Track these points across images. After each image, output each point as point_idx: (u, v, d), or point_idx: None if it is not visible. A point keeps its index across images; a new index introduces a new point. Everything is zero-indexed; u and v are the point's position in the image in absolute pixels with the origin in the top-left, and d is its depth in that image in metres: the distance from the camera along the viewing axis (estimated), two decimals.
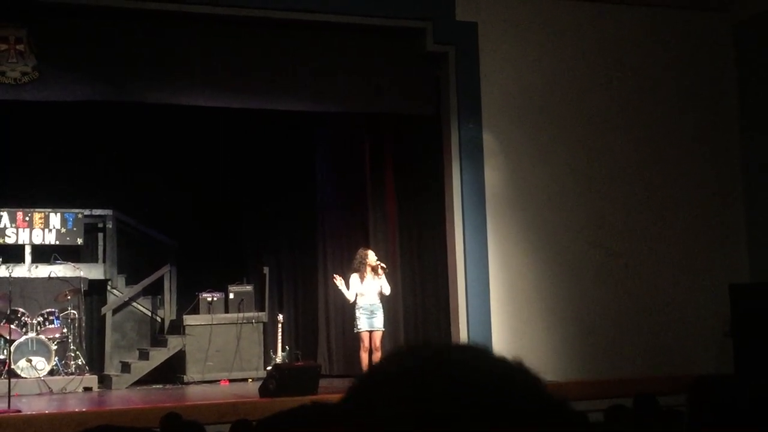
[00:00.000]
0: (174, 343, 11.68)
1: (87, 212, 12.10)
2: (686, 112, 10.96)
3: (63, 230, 11.77)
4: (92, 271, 12.04)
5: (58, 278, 11.50)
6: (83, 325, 11.52)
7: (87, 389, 10.52)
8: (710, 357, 10.27)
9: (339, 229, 12.27)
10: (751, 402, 2.37)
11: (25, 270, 11.54)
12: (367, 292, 9.87)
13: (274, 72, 9.79)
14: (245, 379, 11.52)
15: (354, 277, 9.94)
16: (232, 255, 12.86)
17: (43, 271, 11.57)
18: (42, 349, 10.53)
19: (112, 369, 11.68)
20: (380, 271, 9.88)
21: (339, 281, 9.90)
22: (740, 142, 11.08)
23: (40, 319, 10.95)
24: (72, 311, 11.26)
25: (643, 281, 10.52)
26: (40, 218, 11.67)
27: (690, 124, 10.97)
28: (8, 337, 10.40)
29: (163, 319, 12.41)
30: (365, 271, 9.90)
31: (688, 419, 2.50)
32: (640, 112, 10.77)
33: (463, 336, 9.94)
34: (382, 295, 9.96)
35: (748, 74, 11.01)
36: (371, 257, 9.95)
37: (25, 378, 10.30)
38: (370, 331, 9.85)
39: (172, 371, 11.62)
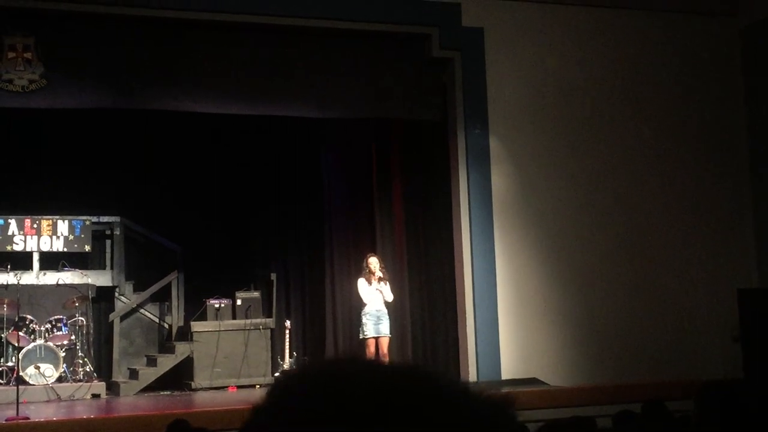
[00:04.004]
0: (182, 349, 11.68)
1: (95, 219, 12.12)
2: (694, 117, 10.95)
3: (71, 237, 11.79)
4: (100, 278, 12.06)
5: (65, 285, 11.50)
6: (91, 331, 11.53)
7: (95, 396, 10.52)
8: (719, 362, 10.24)
9: (346, 234, 12.26)
10: (760, 407, 2.36)
11: (33, 277, 11.56)
12: (373, 298, 9.85)
13: (280, 78, 9.80)
14: (253, 386, 11.51)
15: (363, 282, 9.93)
16: (240, 261, 12.86)
17: (51, 278, 11.58)
18: (50, 356, 10.54)
19: (120, 376, 11.68)
20: (381, 278, 9.85)
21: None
22: (748, 146, 11.05)
23: (48, 326, 10.95)
24: (80, 318, 11.26)
25: (651, 286, 10.49)
26: (48, 225, 11.69)
27: (698, 129, 10.95)
28: (16, 344, 10.42)
29: (170, 326, 12.41)
30: (370, 277, 9.89)
31: (695, 424, 2.50)
32: (648, 118, 10.75)
33: (471, 341, 9.93)
34: (386, 302, 9.95)
35: (755, 78, 10.99)
36: (373, 264, 9.92)
37: (34, 385, 10.30)
38: (377, 338, 9.82)
39: (179, 378, 11.61)
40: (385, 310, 9.90)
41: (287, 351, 11.10)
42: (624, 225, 10.54)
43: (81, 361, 10.89)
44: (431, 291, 11.01)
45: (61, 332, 10.98)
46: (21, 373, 10.01)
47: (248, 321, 11.86)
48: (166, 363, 11.63)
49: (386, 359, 9.76)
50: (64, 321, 11.11)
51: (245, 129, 11.93)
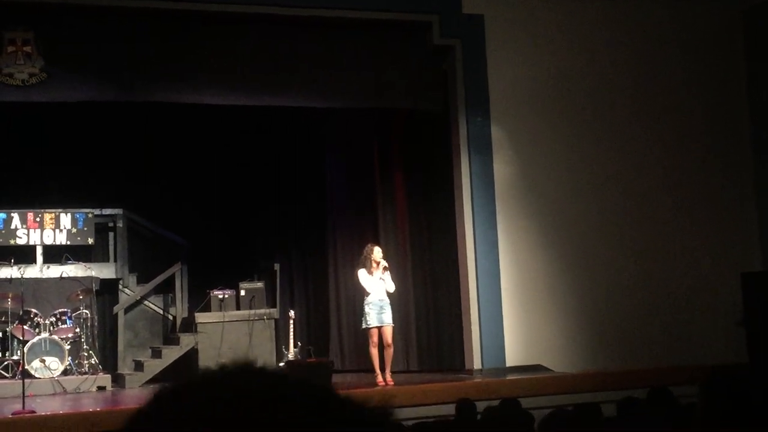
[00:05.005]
0: (186, 340, 11.70)
1: (97, 212, 12.11)
2: (697, 101, 10.92)
3: (74, 230, 11.79)
4: (104, 271, 12.07)
5: (69, 278, 11.51)
6: (96, 324, 11.55)
7: (101, 388, 10.55)
8: (723, 347, 10.24)
9: (349, 225, 12.26)
10: (765, 391, 2.36)
11: (36, 271, 11.56)
12: (375, 287, 9.80)
13: (280, 68, 9.79)
14: None
15: (363, 272, 9.86)
16: (243, 252, 12.86)
17: (55, 271, 11.59)
18: (55, 349, 10.56)
19: (125, 368, 11.70)
20: (383, 269, 9.80)
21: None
22: (751, 130, 11.03)
23: (53, 319, 10.97)
24: (84, 311, 11.28)
25: (655, 272, 10.49)
26: (51, 219, 11.69)
27: (701, 114, 10.93)
28: (21, 338, 10.44)
29: (174, 317, 12.42)
30: (372, 266, 9.81)
31: (701, 410, 2.49)
32: (650, 103, 10.73)
33: (475, 329, 9.93)
34: (388, 292, 9.90)
35: (758, 61, 10.96)
36: (376, 253, 9.84)
37: (39, 378, 10.32)
38: (380, 327, 9.77)
39: (184, 369, 11.63)
40: (388, 300, 9.84)
41: (292, 341, 11.12)
42: (627, 211, 10.53)
43: (86, 354, 10.91)
44: (435, 280, 11.02)
45: (65, 325, 11.00)
46: (26, 367, 10.03)
47: (252, 311, 11.86)
48: (171, 354, 11.65)
49: (390, 348, 9.76)
50: (69, 314, 11.12)
51: (249, 122, 11.93)
